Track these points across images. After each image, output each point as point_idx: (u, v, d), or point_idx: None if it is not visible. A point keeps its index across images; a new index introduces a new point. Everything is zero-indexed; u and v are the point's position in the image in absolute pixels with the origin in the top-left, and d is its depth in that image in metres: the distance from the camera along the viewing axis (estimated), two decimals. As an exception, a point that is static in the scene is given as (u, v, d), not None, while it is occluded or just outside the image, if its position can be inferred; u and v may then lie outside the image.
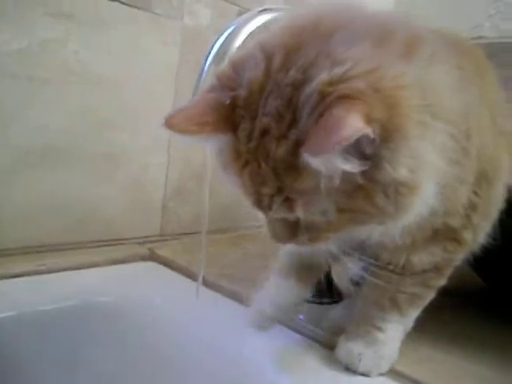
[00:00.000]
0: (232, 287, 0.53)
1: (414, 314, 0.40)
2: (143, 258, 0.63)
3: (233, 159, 0.30)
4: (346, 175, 0.27)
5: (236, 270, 0.58)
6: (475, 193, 0.35)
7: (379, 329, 0.39)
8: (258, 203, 0.30)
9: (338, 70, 0.26)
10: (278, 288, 0.44)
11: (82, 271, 0.56)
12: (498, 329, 0.49)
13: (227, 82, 0.30)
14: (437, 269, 0.38)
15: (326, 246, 0.33)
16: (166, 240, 0.70)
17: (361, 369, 0.38)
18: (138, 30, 0.63)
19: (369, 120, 0.24)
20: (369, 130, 0.24)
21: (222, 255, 0.66)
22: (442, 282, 0.39)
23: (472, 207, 0.35)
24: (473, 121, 0.33)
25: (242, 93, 0.29)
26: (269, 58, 0.29)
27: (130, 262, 0.61)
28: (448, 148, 0.30)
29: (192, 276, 0.56)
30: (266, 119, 0.28)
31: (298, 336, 0.45)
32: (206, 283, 0.54)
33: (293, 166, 0.27)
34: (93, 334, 0.50)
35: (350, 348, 0.39)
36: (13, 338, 0.45)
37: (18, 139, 0.55)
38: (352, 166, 0.26)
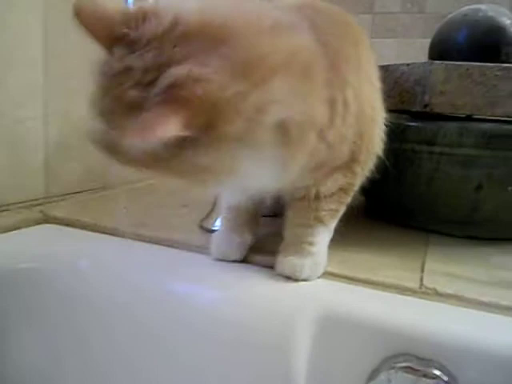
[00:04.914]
0: (152, 234, 0.53)
1: (334, 224, 0.47)
2: (37, 222, 0.57)
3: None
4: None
5: (146, 218, 0.58)
6: (355, 143, 0.43)
7: (311, 243, 0.45)
8: None
9: (196, 70, 0.29)
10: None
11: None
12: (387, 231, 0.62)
13: (129, 20, 0.32)
14: (344, 189, 0.46)
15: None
16: (53, 201, 0.64)
17: (303, 276, 0.44)
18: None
19: (187, 125, 0.29)
20: (179, 133, 0.28)
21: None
22: (349, 199, 0.48)
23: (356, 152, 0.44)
24: (349, 92, 0.40)
25: (132, 34, 0.31)
26: (172, 25, 0.31)
27: (24, 228, 0.55)
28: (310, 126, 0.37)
29: (104, 231, 0.54)
30: (137, 61, 0.30)
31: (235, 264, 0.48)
32: (126, 235, 0.53)
33: (127, 113, 0.30)
34: (16, 303, 0.45)
35: (292, 261, 0.45)
36: None
37: None
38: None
